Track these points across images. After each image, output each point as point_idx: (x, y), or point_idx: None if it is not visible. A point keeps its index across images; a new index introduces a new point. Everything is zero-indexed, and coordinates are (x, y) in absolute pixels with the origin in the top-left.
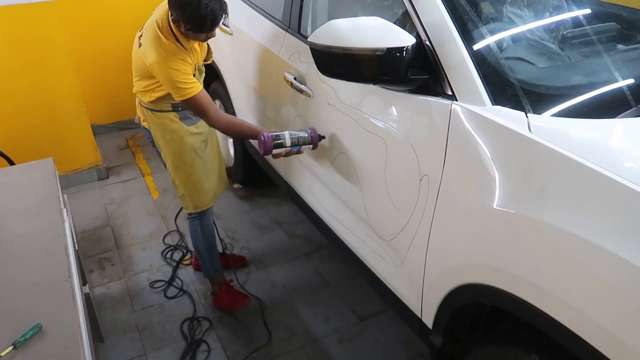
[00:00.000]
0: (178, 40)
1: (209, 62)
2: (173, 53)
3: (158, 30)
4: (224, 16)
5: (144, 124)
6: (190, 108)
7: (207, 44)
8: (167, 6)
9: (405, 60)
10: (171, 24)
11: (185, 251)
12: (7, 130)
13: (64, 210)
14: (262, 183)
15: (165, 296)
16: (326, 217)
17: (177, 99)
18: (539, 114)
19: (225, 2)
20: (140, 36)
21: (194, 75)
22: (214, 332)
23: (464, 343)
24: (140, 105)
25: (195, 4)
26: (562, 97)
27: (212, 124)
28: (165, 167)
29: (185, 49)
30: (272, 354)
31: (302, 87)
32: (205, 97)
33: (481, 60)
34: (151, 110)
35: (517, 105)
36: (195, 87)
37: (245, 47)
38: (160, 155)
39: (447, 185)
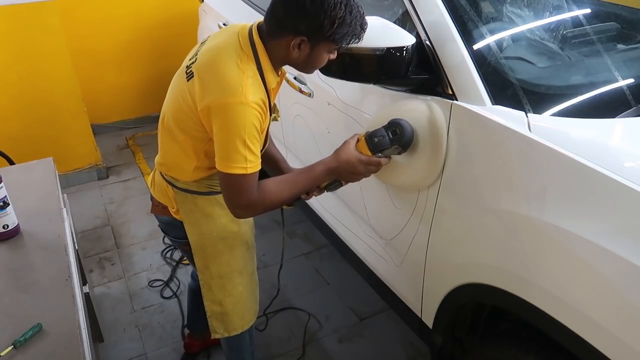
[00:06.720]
0: (262, 74)
1: (277, 120)
2: (254, 92)
3: (239, 52)
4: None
5: (177, 216)
6: (226, 186)
7: None
8: (240, 26)
9: (406, 60)
10: (257, 47)
11: None
12: (7, 130)
13: (64, 210)
14: None
15: (162, 296)
16: (326, 216)
17: (220, 167)
18: (539, 113)
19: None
20: (192, 63)
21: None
22: None
23: (464, 343)
24: (172, 186)
25: (344, 2)
26: (562, 97)
27: (250, 212)
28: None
29: (267, 89)
30: (272, 353)
31: (302, 86)
32: (256, 178)
33: (481, 60)
34: (193, 193)
35: (517, 104)
36: (256, 165)
37: None
38: (192, 261)
39: (447, 184)
